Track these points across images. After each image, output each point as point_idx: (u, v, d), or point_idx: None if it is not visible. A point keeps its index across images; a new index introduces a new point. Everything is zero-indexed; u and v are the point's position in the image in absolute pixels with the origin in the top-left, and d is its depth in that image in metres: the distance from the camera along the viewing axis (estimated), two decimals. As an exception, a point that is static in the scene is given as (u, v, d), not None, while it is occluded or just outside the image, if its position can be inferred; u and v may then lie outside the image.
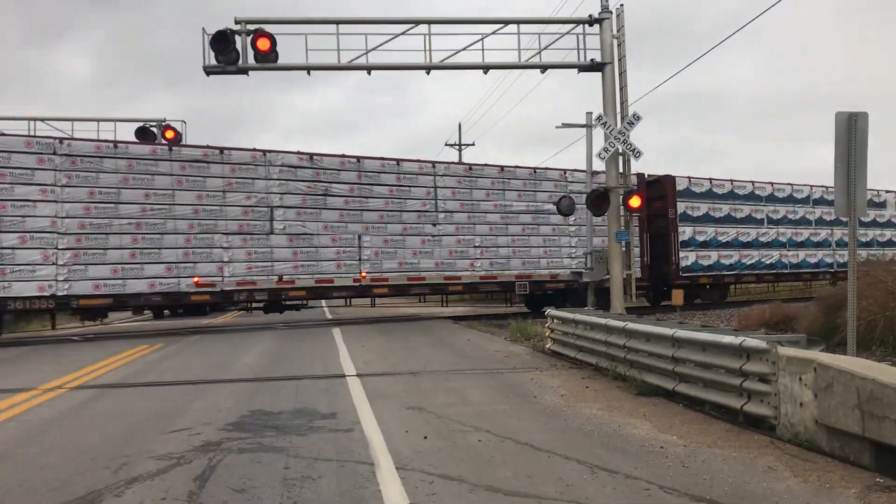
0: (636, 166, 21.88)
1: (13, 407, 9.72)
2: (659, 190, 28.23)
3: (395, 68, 19.78)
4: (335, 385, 10.97)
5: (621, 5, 19.68)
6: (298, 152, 22.86)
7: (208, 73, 18.07)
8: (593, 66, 19.54)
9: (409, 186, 24.20)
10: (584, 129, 22.21)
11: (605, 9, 19.43)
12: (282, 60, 18.41)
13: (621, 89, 19.69)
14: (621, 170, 19.92)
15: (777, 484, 5.76)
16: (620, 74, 19.66)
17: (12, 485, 6.15)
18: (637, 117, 19.20)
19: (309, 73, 18.94)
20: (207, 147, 21.67)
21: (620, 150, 19.43)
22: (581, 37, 19.64)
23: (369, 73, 19.33)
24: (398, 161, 24.25)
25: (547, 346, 14.61)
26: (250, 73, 18.33)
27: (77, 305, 20.34)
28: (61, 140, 20.35)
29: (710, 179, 29.16)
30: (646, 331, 10.16)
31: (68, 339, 21.61)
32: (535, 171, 26.55)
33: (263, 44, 17.76)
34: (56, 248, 19.61)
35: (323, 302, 33.44)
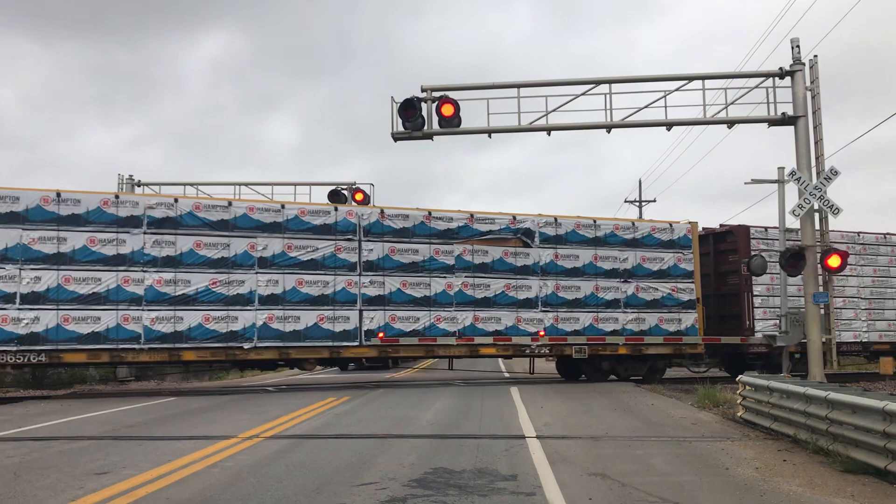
0: (834, 223, 20.54)
1: (217, 453, 10.43)
2: None
3: (575, 128, 19.90)
4: (515, 446, 10.91)
5: (815, 56, 18.81)
6: None
7: (396, 139, 19.00)
8: (785, 120, 18.70)
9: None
10: (776, 185, 21.16)
11: (797, 61, 18.59)
12: (464, 125, 19.06)
13: (816, 143, 18.70)
14: (817, 227, 18.76)
15: None
16: (815, 128, 18.71)
17: (217, 528, 6.57)
18: (834, 172, 18.08)
19: (490, 136, 19.46)
20: None
21: (816, 207, 18.33)
22: (771, 90, 18.91)
23: (549, 134, 19.57)
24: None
25: (738, 414, 13.80)
26: (434, 138, 19.10)
27: (872, 349, 26.76)
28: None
29: None
30: (851, 402, 9.35)
31: (263, 390, 23.00)
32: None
33: (447, 110, 18.50)
34: (859, 308, 26.51)
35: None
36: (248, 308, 20.49)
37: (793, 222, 19.58)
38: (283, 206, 21.25)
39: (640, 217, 44.04)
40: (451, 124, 18.80)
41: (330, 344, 21.21)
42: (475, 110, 20.76)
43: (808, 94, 18.71)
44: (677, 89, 18.95)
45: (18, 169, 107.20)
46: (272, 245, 20.77)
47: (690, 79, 19.00)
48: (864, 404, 8.96)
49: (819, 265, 18.60)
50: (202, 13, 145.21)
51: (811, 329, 18.42)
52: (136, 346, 19.46)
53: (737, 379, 14.34)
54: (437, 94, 18.71)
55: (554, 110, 18.93)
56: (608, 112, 18.89)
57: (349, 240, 21.47)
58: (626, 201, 48.26)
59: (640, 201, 47.01)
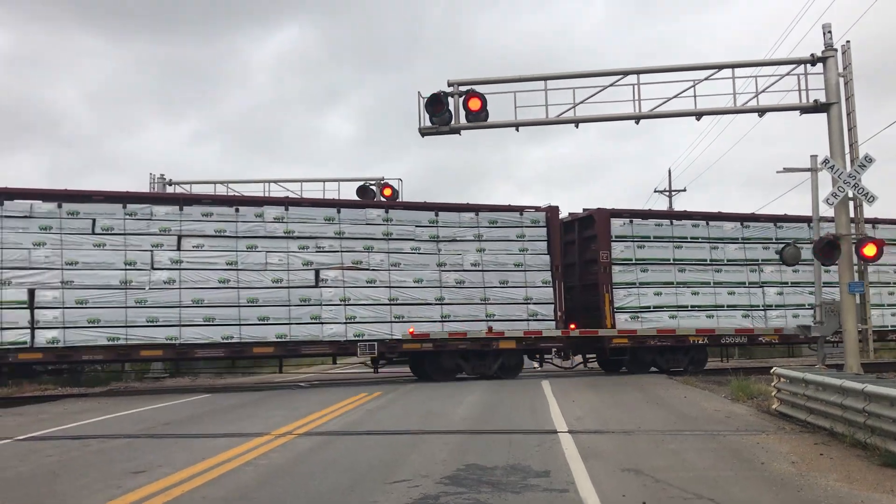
0: (869, 211, 20.17)
1: (250, 451, 10.52)
2: None
3: (603, 120, 19.79)
4: (547, 441, 10.89)
5: (847, 42, 18.48)
6: None
7: (423, 135, 18.96)
8: (817, 108, 18.33)
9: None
10: (809, 174, 20.84)
11: (829, 47, 18.22)
12: (492, 118, 18.96)
13: (850, 130, 18.41)
14: (852, 215, 18.46)
15: None
16: (849, 115, 18.39)
17: (252, 526, 6.64)
18: (869, 159, 17.72)
19: (517, 130, 19.30)
20: None
21: (850, 195, 18.01)
22: (802, 77, 18.56)
23: (577, 126, 19.43)
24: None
25: (773, 406, 13.64)
26: (462, 132, 19.04)
27: None
28: None
29: None
30: (889, 394, 9.17)
31: (296, 385, 23.20)
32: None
33: (474, 104, 18.39)
34: None
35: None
36: None
37: (826, 210, 19.28)
38: None
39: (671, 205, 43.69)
40: (478, 118, 18.70)
41: None
42: (502, 103, 20.38)
43: (841, 80, 18.37)
44: (706, 78, 18.70)
45: (79, 168, 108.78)
46: None
47: (720, 67, 18.72)
48: (903, 397, 8.80)
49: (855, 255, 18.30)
50: (278, 4, 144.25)
51: (847, 319, 18.12)
52: None
53: (771, 371, 14.18)
54: (463, 89, 18.63)
55: (581, 102, 18.77)
56: (636, 103, 18.70)
57: None
58: (655, 191, 47.81)
59: (671, 191, 46.50)
